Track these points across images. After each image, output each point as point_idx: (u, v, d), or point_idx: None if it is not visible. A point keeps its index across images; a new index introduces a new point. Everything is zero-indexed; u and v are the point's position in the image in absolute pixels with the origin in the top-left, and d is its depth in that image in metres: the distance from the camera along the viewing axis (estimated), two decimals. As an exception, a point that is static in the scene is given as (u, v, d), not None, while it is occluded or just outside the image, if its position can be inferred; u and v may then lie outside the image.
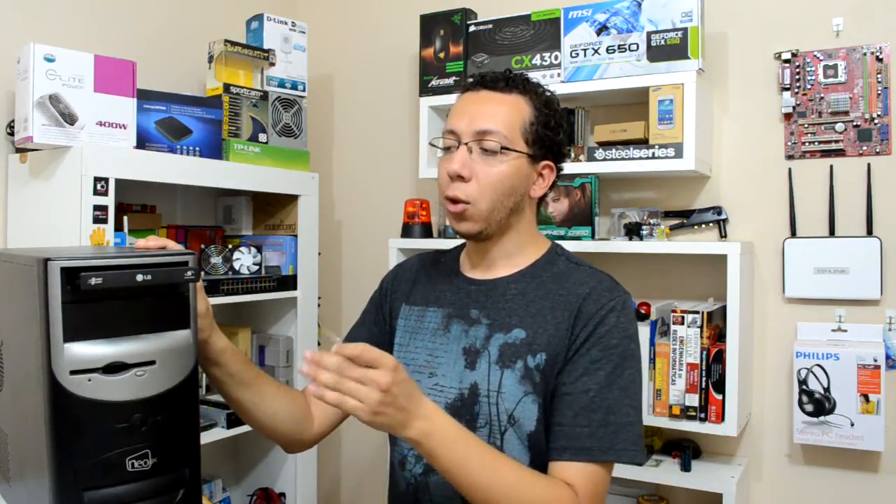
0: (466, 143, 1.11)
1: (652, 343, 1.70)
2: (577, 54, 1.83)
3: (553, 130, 1.16)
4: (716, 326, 1.72)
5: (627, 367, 1.07)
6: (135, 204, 1.86)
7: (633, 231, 1.84)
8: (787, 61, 1.77)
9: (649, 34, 1.74)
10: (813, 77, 1.75)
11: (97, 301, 0.87)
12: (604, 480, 1.04)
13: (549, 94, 1.19)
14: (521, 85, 1.16)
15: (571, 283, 1.13)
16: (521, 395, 1.08)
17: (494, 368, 1.10)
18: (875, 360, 1.59)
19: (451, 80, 1.99)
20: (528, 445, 1.08)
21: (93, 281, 0.83)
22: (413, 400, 0.93)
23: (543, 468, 1.05)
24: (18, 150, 1.68)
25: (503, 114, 1.12)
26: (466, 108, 1.15)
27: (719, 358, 1.66)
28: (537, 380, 1.08)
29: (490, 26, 1.94)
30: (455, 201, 1.12)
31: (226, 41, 1.90)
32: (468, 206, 1.11)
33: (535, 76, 1.83)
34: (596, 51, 1.80)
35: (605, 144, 1.81)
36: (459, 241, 1.29)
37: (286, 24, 2.04)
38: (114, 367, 0.87)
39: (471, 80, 1.20)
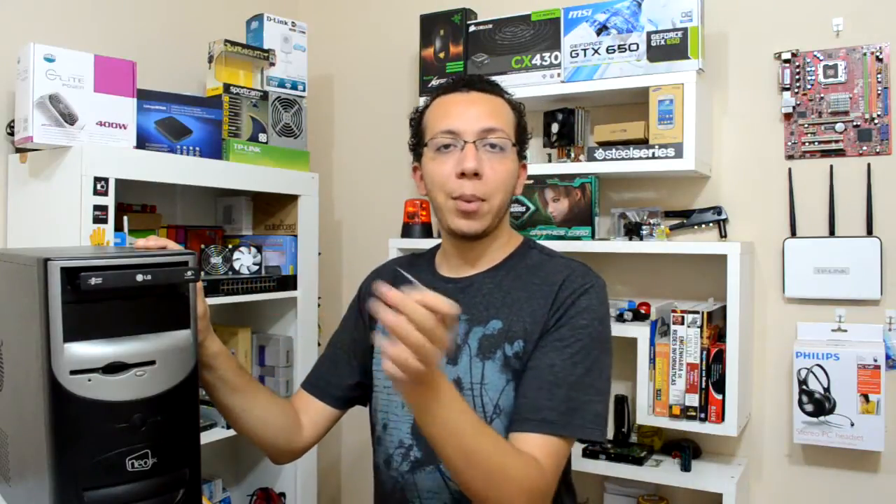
0: (473, 142, 1.12)
1: (652, 343, 1.70)
2: (577, 54, 1.83)
3: (526, 131, 1.22)
4: (716, 326, 1.72)
5: (595, 347, 1.08)
6: (135, 204, 1.86)
7: (633, 231, 1.84)
8: (787, 61, 1.77)
9: (649, 34, 1.74)
10: (813, 77, 1.75)
11: (97, 301, 0.87)
12: (564, 454, 1.05)
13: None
14: (499, 89, 1.21)
15: (546, 273, 1.15)
16: (504, 385, 1.09)
17: (475, 361, 1.12)
18: (875, 360, 1.59)
19: (443, 81, 1.99)
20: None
21: (93, 281, 0.83)
22: None
23: None
24: (18, 150, 1.68)
25: (501, 112, 1.16)
26: (461, 108, 1.15)
27: (719, 358, 1.66)
28: (517, 367, 1.09)
29: (490, 26, 1.94)
30: (469, 199, 1.11)
31: (226, 41, 1.90)
32: (482, 204, 1.12)
33: (534, 76, 1.88)
34: (596, 51, 1.80)
35: (605, 144, 1.81)
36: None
37: (286, 24, 2.04)
38: (114, 367, 0.87)
39: (452, 81, 1.21)
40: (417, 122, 1.22)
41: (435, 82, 2.02)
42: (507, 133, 1.14)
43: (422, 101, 2.00)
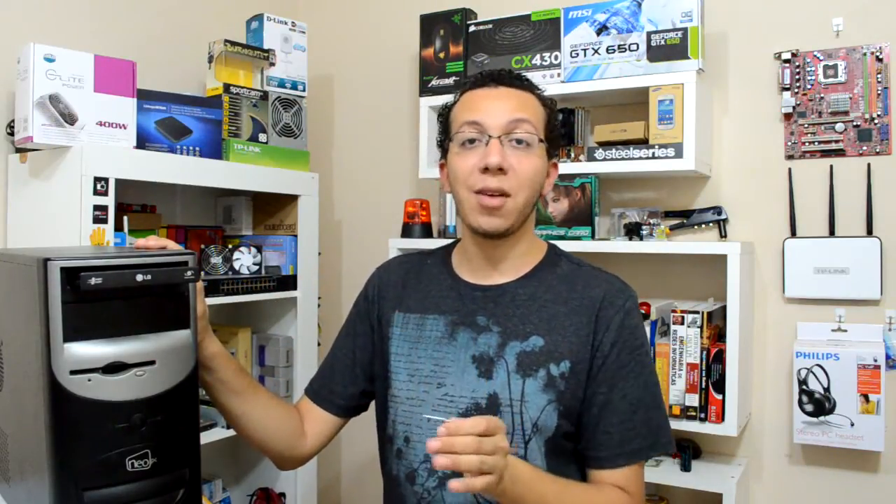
0: (498, 136, 1.08)
1: (652, 343, 1.70)
2: (577, 54, 1.83)
3: (557, 130, 1.19)
4: (716, 326, 1.72)
5: (649, 363, 1.13)
6: (135, 204, 1.86)
7: (633, 231, 1.84)
8: (787, 61, 1.77)
9: (649, 34, 1.74)
10: (813, 77, 1.75)
11: (97, 301, 0.87)
12: (643, 473, 1.11)
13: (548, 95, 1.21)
14: (530, 85, 1.17)
15: (582, 286, 1.13)
16: (545, 404, 1.07)
17: (515, 377, 1.08)
18: (875, 360, 1.59)
19: (451, 80, 1.99)
20: (545, 452, 1.08)
21: (93, 281, 0.83)
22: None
23: (558, 472, 1.06)
24: (18, 150, 1.68)
25: (529, 107, 1.12)
26: (488, 102, 1.11)
27: (719, 358, 1.66)
28: (562, 388, 1.08)
29: (490, 26, 1.94)
30: (492, 194, 1.07)
31: (226, 41, 1.90)
32: (507, 200, 1.08)
33: (534, 76, 1.85)
34: (596, 51, 1.80)
35: (605, 144, 1.81)
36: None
37: (286, 24, 2.04)
38: (114, 367, 0.87)
39: (481, 76, 1.17)
40: (445, 118, 1.18)
41: (435, 82, 2.02)
42: (534, 128, 1.10)
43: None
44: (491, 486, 0.89)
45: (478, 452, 0.86)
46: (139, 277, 0.87)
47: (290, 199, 2.06)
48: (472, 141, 1.10)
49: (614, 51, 1.78)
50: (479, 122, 1.09)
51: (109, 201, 1.56)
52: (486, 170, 1.07)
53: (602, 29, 1.80)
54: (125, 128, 1.63)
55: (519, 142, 1.09)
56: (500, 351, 1.10)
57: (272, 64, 2.01)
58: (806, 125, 1.77)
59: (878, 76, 1.69)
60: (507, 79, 1.15)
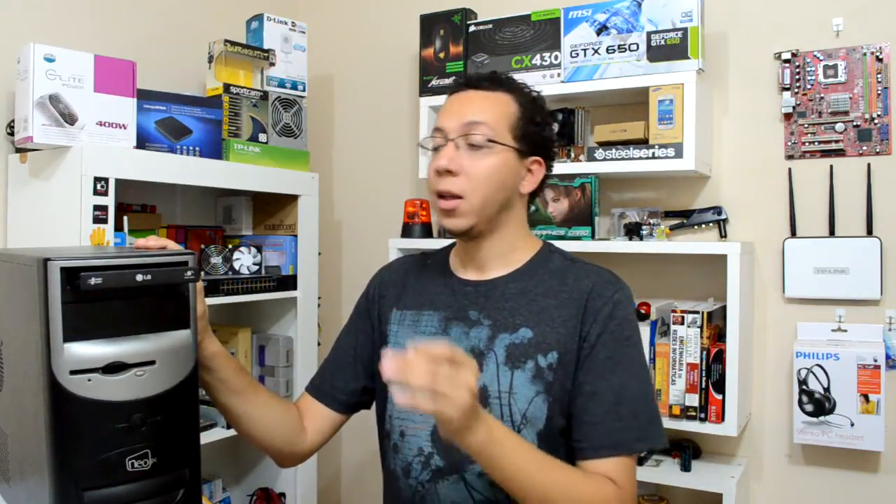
0: (453, 139, 1.12)
1: (652, 343, 1.70)
2: (577, 54, 1.83)
3: (539, 126, 1.18)
4: (716, 326, 1.72)
5: (639, 354, 1.11)
6: (135, 204, 1.86)
7: (633, 231, 1.84)
8: (787, 61, 1.77)
9: (649, 34, 1.74)
10: (813, 77, 1.75)
11: (97, 301, 0.87)
12: (635, 467, 1.08)
13: (534, 92, 1.21)
14: (506, 83, 1.18)
15: (572, 279, 1.14)
16: (533, 395, 1.08)
17: (503, 369, 1.10)
18: (875, 360, 1.59)
19: (450, 80, 1.99)
20: (538, 445, 1.08)
21: (93, 281, 0.83)
22: (478, 403, 0.92)
23: None
24: (18, 150, 1.68)
25: (489, 108, 1.14)
26: (452, 107, 1.16)
27: (719, 358, 1.66)
28: (550, 379, 1.08)
29: (490, 26, 1.94)
30: (445, 196, 1.11)
31: (226, 41, 1.90)
32: (460, 201, 1.11)
33: (534, 76, 1.88)
34: (596, 51, 1.80)
35: (605, 144, 1.81)
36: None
37: (286, 24, 2.04)
38: (114, 367, 0.87)
39: (456, 80, 1.22)
40: None
41: (435, 82, 2.02)
42: (492, 130, 1.11)
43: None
44: (443, 416, 0.86)
45: (432, 373, 0.84)
46: (139, 277, 0.87)
47: (290, 199, 2.06)
48: (437, 148, 1.14)
49: (614, 51, 1.78)
50: (441, 128, 1.14)
51: (109, 201, 1.56)
52: (438, 173, 1.12)
53: (602, 29, 1.80)
54: (125, 128, 1.63)
55: (471, 145, 1.12)
56: (489, 344, 1.11)
57: (272, 64, 2.01)
58: (806, 125, 1.77)
59: (878, 76, 1.69)
60: (475, 81, 1.18)
